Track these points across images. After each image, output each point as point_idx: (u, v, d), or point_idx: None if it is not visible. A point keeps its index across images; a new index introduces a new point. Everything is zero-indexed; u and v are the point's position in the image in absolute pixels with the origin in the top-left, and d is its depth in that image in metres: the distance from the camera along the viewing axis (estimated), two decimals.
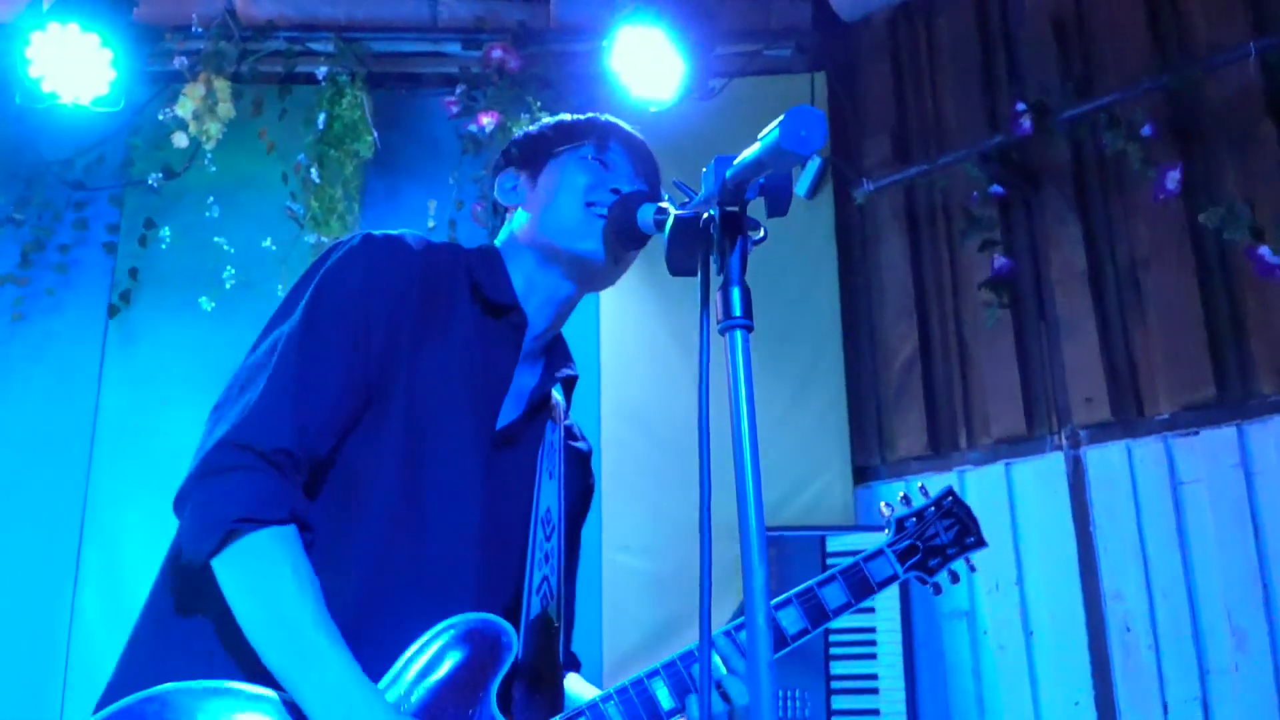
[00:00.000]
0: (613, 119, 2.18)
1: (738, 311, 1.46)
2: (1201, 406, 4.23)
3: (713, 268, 1.52)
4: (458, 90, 5.13)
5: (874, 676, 4.41)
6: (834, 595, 2.06)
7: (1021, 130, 4.62)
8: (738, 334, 1.45)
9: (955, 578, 2.28)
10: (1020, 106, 4.63)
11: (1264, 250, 4.02)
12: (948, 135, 5.09)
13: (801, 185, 5.19)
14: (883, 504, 2.29)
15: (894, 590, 4.47)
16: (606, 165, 2.07)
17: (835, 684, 4.39)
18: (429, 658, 1.78)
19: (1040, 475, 4.57)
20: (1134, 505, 4.33)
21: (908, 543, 2.21)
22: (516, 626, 1.89)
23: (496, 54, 5.06)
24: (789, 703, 4.34)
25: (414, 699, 1.75)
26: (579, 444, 2.26)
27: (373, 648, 1.74)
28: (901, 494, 2.29)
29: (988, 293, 4.73)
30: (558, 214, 2.02)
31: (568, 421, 2.22)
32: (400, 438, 1.85)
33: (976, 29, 5.13)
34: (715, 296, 1.48)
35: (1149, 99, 4.38)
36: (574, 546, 2.23)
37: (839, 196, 5.28)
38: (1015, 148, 4.76)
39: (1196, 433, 4.24)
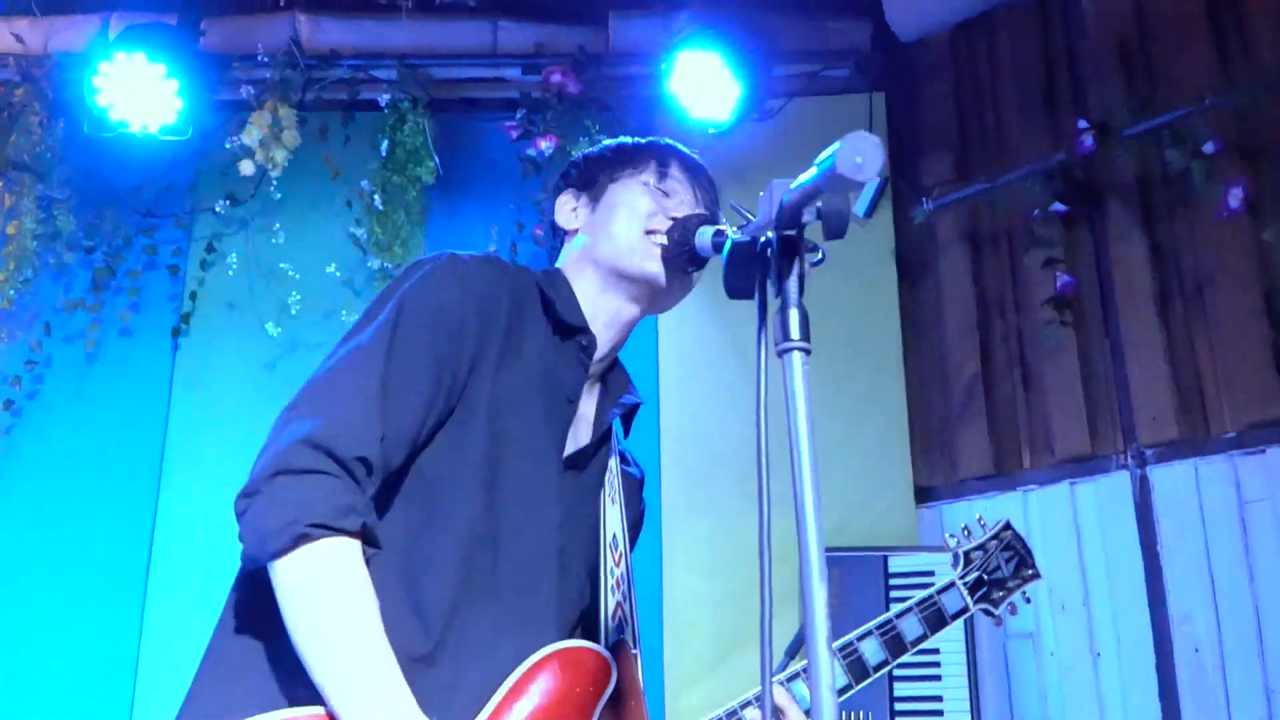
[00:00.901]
0: (673, 143, 2.20)
1: (796, 334, 1.46)
2: (1268, 424, 4.18)
3: (770, 291, 1.52)
4: (518, 115, 5.17)
5: (939, 699, 4.38)
6: (911, 627, 2.18)
7: (1084, 148, 4.59)
8: (795, 355, 1.46)
9: (1014, 610, 2.34)
10: (1083, 124, 4.61)
11: None
12: (1009, 153, 5.06)
13: (860, 205, 5.18)
14: (947, 535, 2.33)
15: None
16: (667, 193, 2.09)
17: (899, 705, 4.36)
18: (533, 684, 1.78)
19: (1106, 495, 4.53)
20: (1201, 525, 4.27)
21: (975, 575, 2.27)
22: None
23: (556, 78, 5.11)
24: None
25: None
26: (631, 469, 2.27)
27: (452, 660, 1.74)
28: (964, 527, 2.34)
29: (1050, 310, 4.69)
30: (618, 238, 2.05)
31: (620, 447, 2.23)
32: (482, 453, 1.84)
33: (1038, 46, 5.10)
34: (773, 319, 1.49)
35: (1213, 116, 4.34)
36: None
37: (898, 216, 5.27)
38: (1078, 165, 4.73)
39: (1264, 451, 4.18)
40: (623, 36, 5.32)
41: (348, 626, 1.62)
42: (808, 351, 1.47)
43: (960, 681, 4.38)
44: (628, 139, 2.23)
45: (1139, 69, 4.75)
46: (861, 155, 1.33)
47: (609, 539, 2.03)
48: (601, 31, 5.36)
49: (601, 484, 2.07)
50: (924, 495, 4.97)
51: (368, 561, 1.68)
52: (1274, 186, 4.28)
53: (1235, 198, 4.18)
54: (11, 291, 5.04)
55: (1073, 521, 4.58)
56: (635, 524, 2.26)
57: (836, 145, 1.33)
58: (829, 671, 1.33)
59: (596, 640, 1.94)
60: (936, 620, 2.20)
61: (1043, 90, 5.04)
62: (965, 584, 2.26)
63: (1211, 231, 4.39)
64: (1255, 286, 4.27)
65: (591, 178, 2.16)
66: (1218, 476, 4.27)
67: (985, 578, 2.29)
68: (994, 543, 2.34)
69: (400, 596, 1.72)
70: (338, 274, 5.15)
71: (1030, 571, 2.36)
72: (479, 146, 5.42)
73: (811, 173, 1.41)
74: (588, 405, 2.08)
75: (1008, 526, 2.39)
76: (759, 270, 1.55)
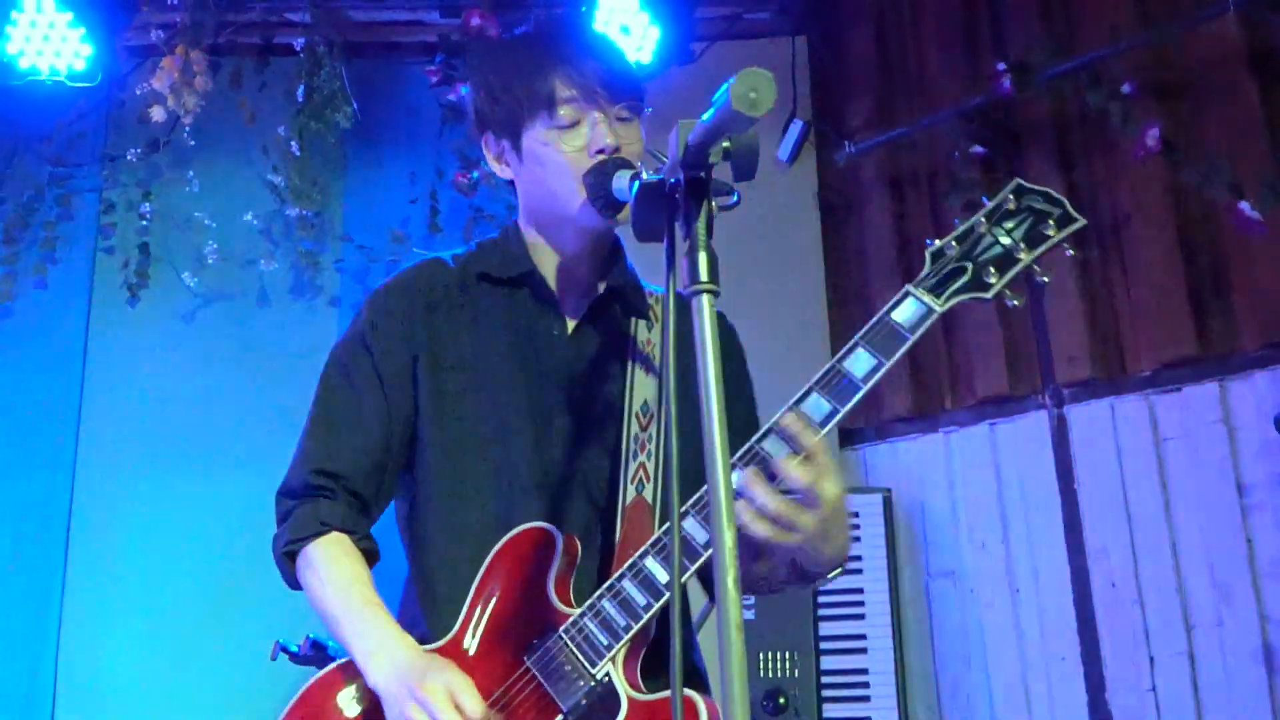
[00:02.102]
0: (564, 42, 2.13)
1: (704, 277, 1.46)
2: (1183, 363, 4.25)
3: (679, 233, 1.51)
4: (437, 59, 5.09)
5: (863, 636, 4.44)
6: (861, 363, 1.91)
7: (1002, 90, 4.61)
8: (704, 298, 1.46)
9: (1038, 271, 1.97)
10: (1000, 66, 4.62)
11: (1244, 206, 4.03)
12: (930, 96, 5.07)
13: (784, 150, 5.18)
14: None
15: (880, 551, 4.51)
16: (574, 122, 2.04)
17: (824, 644, 4.41)
18: (488, 587, 2.00)
19: (1024, 434, 4.59)
20: (1117, 463, 4.35)
21: (949, 269, 1.96)
22: (614, 513, 2.04)
23: (475, 21, 5.02)
24: (779, 663, 4.36)
25: (482, 624, 1.97)
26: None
27: (461, 591, 2.01)
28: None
29: None
30: (552, 192, 2.07)
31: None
32: (448, 424, 2.10)
33: None
34: (680, 262, 1.48)
35: (1130, 57, 4.37)
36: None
37: (822, 159, 5.27)
38: (997, 107, 4.75)
39: (1179, 389, 4.26)
40: None
41: (329, 605, 2.01)
42: (716, 294, 1.47)
43: (884, 619, 4.44)
44: (520, 47, 2.20)
45: (1057, 10, 4.77)
46: (755, 90, 1.33)
47: (638, 406, 2.12)
48: None
49: (624, 361, 2.16)
50: (847, 437, 5.01)
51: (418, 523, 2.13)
52: (1190, 127, 4.33)
53: (1151, 138, 4.22)
54: None
55: (993, 461, 4.64)
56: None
57: (729, 81, 1.32)
58: (738, 609, 1.34)
59: (615, 500, 2.06)
60: (889, 342, 1.90)
61: (963, 31, 5.04)
62: (925, 286, 1.93)
63: (1128, 172, 4.44)
64: (1171, 227, 4.33)
65: (503, 120, 2.12)
66: (1134, 415, 4.34)
67: (969, 264, 1.94)
68: (982, 222, 1.98)
69: (423, 583, 2.11)
70: (255, 222, 5.07)
71: (1056, 218, 1.96)
72: (398, 91, 5.33)
73: (710, 111, 1.40)
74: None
75: (1016, 189, 2.00)
76: (668, 212, 1.54)
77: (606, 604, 1.90)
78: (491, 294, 2.17)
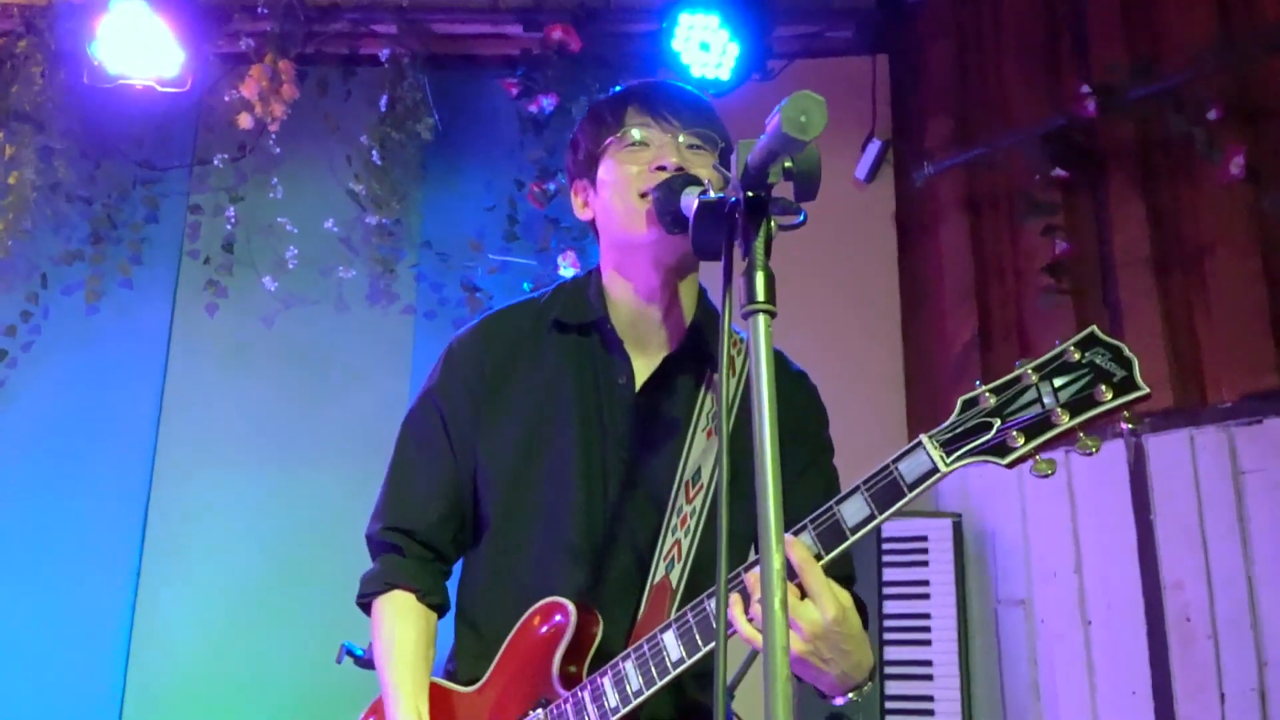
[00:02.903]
0: (634, 84, 2.19)
1: (761, 296, 1.47)
2: (1264, 395, 4.16)
3: (738, 252, 1.52)
4: (518, 71, 5.14)
5: (929, 663, 4.39)
6: (854, 511, 1.79)
7: (1085, 112, 4.55)
8: (760, 318, 1.46)
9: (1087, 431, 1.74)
10: (1085, 89, 4.56)
11: None
12: (1010, 117, 5.01)
13: (861, 169, 5.16)
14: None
15: (949, 576, 4.46)
16: (644, 143, 2.07)
17: (889, 669, 4.37)
18: (511, 650, 2.06)
19: (1100, 462, 4.51)
20: (1195, 494, 4.26)
21: (972, 422, 1.76)
22: (643, 590, 2.05)
23: (556, 34, 5.07)
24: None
25: (499, 685, 2.05)
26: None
27: (493, 647, 2.10)
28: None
29: (1048, 277, 4.66)
30: (615, 212, 2.08)
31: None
32: (506, 479, 2.16)
33: (1041, 7, 5.04)
34: (737, 281, 1.48)
35: (1215, 80, 4.29)
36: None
37: (899, 179, 5.23)
38: (1079, 130, 4.68)
39: (1260, 421, 4.16)
40: None
41: (377, 659, 2.14)
42: (773, 314, 1.47)
43: (950, 646, 4.38)
44: (602, 100, 2.23)
45: (1142, 31, 4.69)
46: (805, 114, 1.34)
47: (689, 474, 2.08)
48: None
49: (685, 423, 2.12)
50: None
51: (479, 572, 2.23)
52: (1273, 152, 4.24)
53: (1236, 165, 4.14)
54: (10, 242, 5.04)
55: (1067, 488, 4.57)
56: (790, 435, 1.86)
57: (781, 104, 1.32)
58: (784, 632, 1.33)
59: (645, 576, 2.06)
60: (888, 494, 1.77)
61: (1044, 52, 4.98)
62: (938, 440, 1.74)
63: (1211, 198, 4.35)
64: (1255, 254, 4.23)
65: (584, 162, 2.17)
66: (1213, 446, 4.25)
67: (994, 420, 1.71)
68: (1030, 374, 1.74)
69: (467, 625, 2.21)
70: (335, 229, 5.15)
71: (1117, 380, 1.70)
72: (478, 103, 5.39)
73: (765, 134, 1.40)
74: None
75: (1088, 337, 1.74)
76: (726, 231, 1.55)
77: (605, 681, 1.94)
78: (562, 342, 2.19)
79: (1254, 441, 4.17)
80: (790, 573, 1.72)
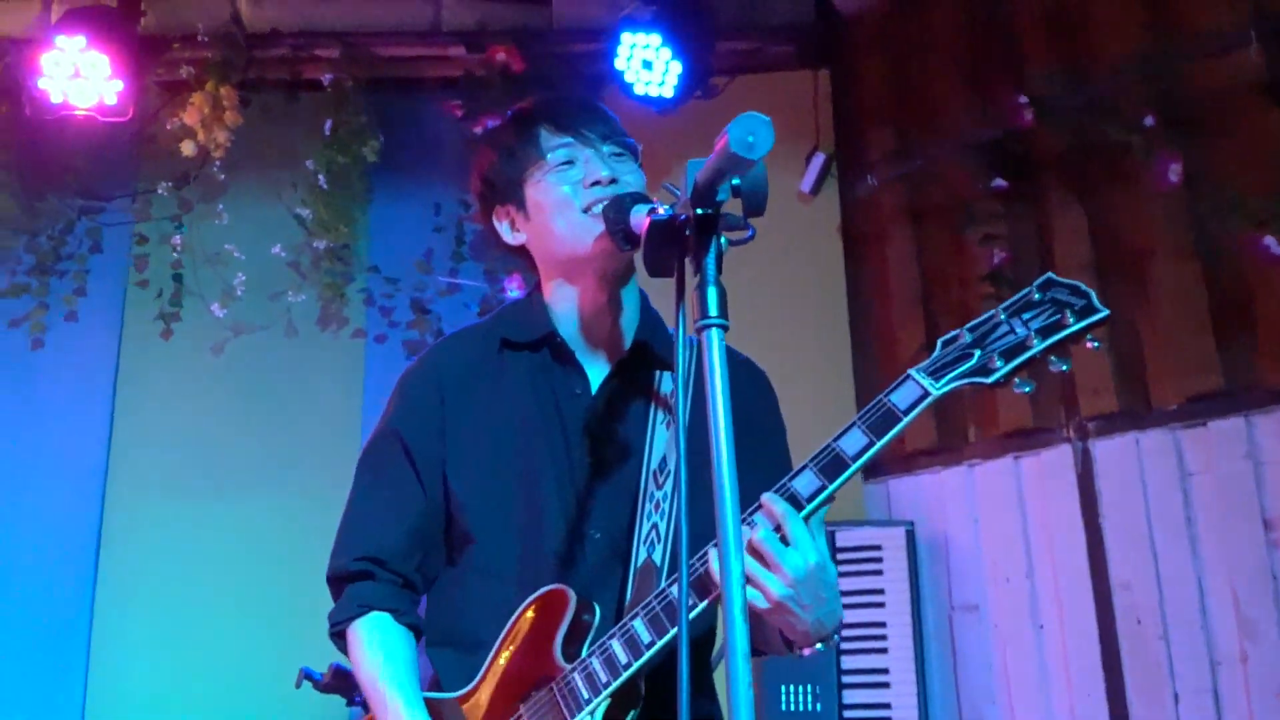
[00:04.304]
0: (538, 102, 2.22)
1: (713, 311, 1.50)
2: (1209, 397, 4.22)
3: (689, 268, 1.55)
4: (462, 93, 5.15)
5: (885, 671, 4.42)
6: (853, 442, 1.90)
7: (1022, 122, 4.61)
8: (714, 333, 1.49)
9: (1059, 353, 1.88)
10: (1022, 99, 4.63)
11: (1269, 240, 4.02)
12: (948, 128, 5.07)
13: (806, 182, 5.20)
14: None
15: (904, 584, 4.49)
16: (569, 162, 2.11)
17: (847, 678, 4.40)
18: (508, 641, 2.06)
19: (1049, 468, 4.57)
20: (1143, 497, 4.32)
21: (954, 354, 1.93)
22: (626, 574, 2.08)
23: (500, 56, 5.08)
24: (802, 696, 4.35)
25: (496, 676, 2.06)
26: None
27: (482, 655, 2.09)
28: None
29: (989, 286, 4.71)
30: (562, 231, 2.10)
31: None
32: (479, 501, 2.15)
33: (971, 20, 5.10)
34: (690, 297, 1.51)
35: (1149, 87, 4.37)
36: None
37: (844, 193, 5.28)
38: (1016, 140, 4.75)
39: (1204, 424, 4.23)
40: (567, 14, 5.31)
41: (365, 676, 2.11)
42: (725, 328, 1.50)
43: (906, 653, 4.42)
44: (503, 125, 2.27)
45: (1071, 41, 4.74)
46: (753, 134, 1.37)
47: (655, 464, 2.14)
48: (545, 9, 5.36)
49: (646, 416, 2.17)
50: (870, 470, 4.98)
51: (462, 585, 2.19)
52: (1210, 158, 4.31)
53: (1174, 173, 4.21)
54: None
55: (1017, 494, 4.62)
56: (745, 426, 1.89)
57: (730, 125, 1.35)
58: (745, 638, 1.36)
59: (628, 559, 2.09)
60: (883, 423, 1.89)
61: (978, 63, 5.03)
62: (927, 370, 1.91)
63: (1150, 204, 4.42)
64: (1194, 259, 4.31)
65: (505, 186, 2.19)
66: (1159, 449, 4.31)
67: (974, 351, 1.89)
68: (1003, 314, 1.90)
69: (446, 648, 2.18)
70: (283, 254, 5.12)
71: (1079, 308, 1.86)
72: (423, 125, 5.38)
73: (713, 153, 1.43)
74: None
75: (1046, 281, 1.91)
76: (678, 248, 1.57)
77: (594, 660, 1.95)
78: (515, 360, 2.21)
79: (1199, 444, 4.24)
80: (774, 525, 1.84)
